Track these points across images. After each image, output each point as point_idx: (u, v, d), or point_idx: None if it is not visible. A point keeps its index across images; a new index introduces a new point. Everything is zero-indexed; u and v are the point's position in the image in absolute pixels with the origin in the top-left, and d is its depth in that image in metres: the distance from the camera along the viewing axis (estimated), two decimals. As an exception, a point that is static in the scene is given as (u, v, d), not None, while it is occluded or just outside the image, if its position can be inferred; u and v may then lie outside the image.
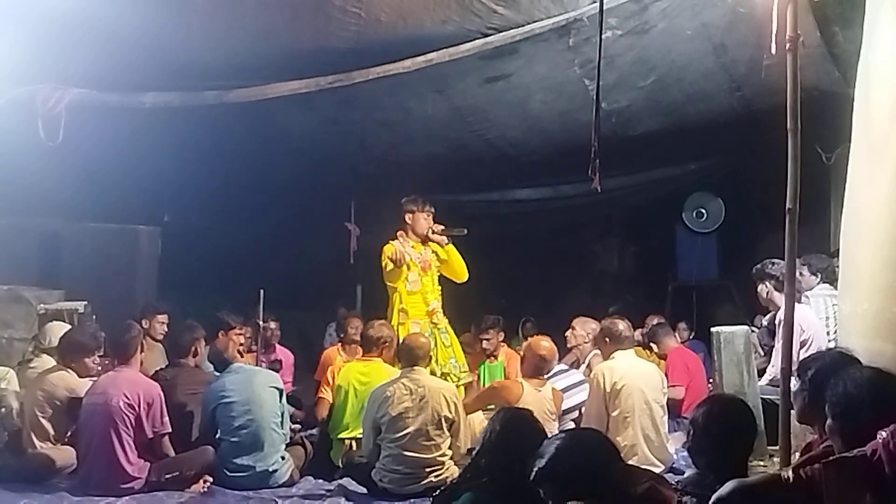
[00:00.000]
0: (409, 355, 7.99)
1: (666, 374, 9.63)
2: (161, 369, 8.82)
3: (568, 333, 9.84)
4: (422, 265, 9.58)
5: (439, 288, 9.73)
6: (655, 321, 11.25)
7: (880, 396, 3.93)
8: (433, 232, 9.59)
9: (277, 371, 9.43)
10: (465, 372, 9.67)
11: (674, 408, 9.47)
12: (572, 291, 14.27)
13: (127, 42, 7.61)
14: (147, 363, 9.44)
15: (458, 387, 9.04)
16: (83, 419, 7.70)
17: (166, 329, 10.04)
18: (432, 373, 8.66)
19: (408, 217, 9.56)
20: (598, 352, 9.44)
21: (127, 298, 10.81)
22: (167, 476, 7.69)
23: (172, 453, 7.86)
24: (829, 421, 4.04)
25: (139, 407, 7.64)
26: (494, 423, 5.48)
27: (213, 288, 11.93)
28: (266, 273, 11.50)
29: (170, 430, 7.84)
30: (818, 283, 9.29)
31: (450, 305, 9.77)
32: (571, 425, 8.42)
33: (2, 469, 7.84)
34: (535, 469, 4.54)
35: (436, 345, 9.30)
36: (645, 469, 5.84)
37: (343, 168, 10.95)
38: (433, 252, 9.66)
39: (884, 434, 3.54)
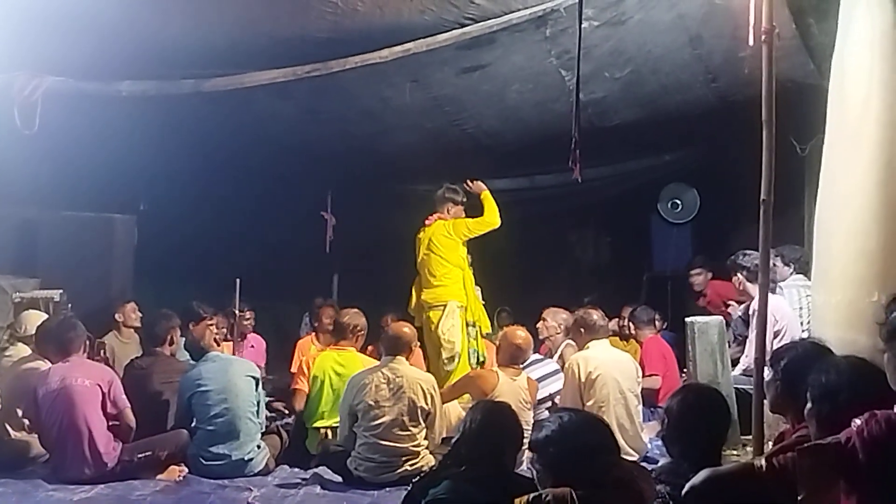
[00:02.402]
0: (392, 344, 8.03)
1: (641, 364, 9.69)
2: (136, 358, 8.85)
3: (539, 325, 9.86)
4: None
5: None
6: (638, 306, 11.28)
7: (860, 384, 3.97)
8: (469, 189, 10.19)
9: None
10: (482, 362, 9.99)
11: (650, 397, 9.52)
12: (548, 281, 14.27)
13: (104, 30, 7.58)
14: (123, 352, 9.48)
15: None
16: (45, 409, 7.71)
17: (140, 316, 10.04)
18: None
19: (450, 207, 9.85)
20: (570, 342, 9.49)
21: (102, 287, 10.77)
22: (139, 456, 7.75)
23: (134, 424, 7.90)
24: (808, 406, 4.07)
25: (102, 386, 7.70)
26: (475, 413, 5.50)
27: (189, 277, 11.89)
28: (242, 262, 11.49)
29: (129, 405, 7.89)
30: (791, 274, 9.35)
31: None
32: (546, 414, 8.45)
33: (-23, 457, 7.85)
34: (534, 438, 4.56)
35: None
36: (626, 460, 5.88)
37: (320, 157, 10.94)
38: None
39: (858, 421, 3.57)
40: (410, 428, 7.64)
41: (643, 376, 9.50)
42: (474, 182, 10.24)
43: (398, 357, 7.90)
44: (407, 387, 7.67)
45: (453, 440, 5.59)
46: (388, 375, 7.72)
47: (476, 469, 5.14)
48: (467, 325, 9.97)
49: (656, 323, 11.06)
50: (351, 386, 7.81)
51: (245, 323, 11.01)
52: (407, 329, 8.32)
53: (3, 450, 7.97)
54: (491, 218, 10.09)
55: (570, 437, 4.50)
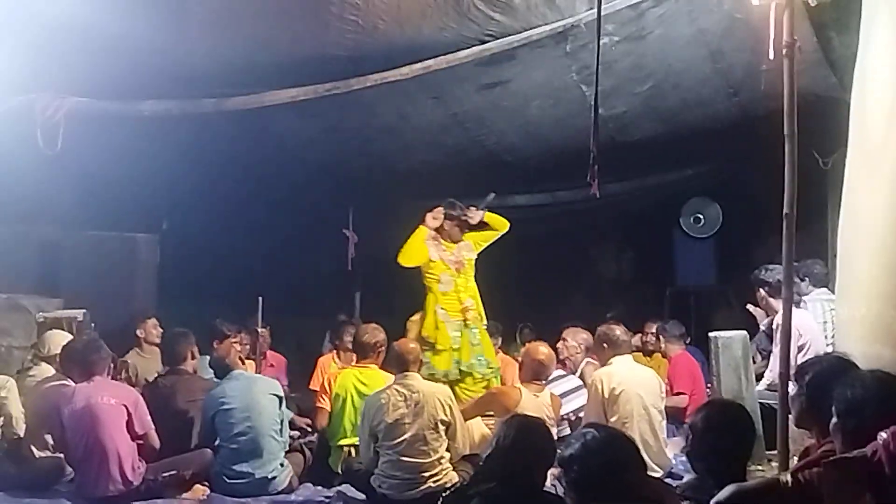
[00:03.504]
0: (399, 361, 8.01)
1: (669, 381, 9.64)
2: (160, 375, 8.86)
3: (560, 345, 9.78)
4: (455, 266, 9.81)
5: (474, 286, 9.92)
6: (668, 320, 11.18)
7: (886, 398, 3.95)
8: (468, 220, 9.92)
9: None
10: (491, 368, 9.79)
11: (677, 415, 9.42)
12: (570, 297, 14.27)
13: (126, 50, 7.62)
14: (145, 368, 9.50)
15: (486, 380, 9.55)
16: (71, 428, 7.70)
17: (161, 332, 10.06)
18: (456, 371, 9.32)
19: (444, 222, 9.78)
20: (590, 360, 9.46)
21: (126, 306, 10.79)
22: (164, 475, 7.74)
23: (158, 445, 7.91)
24: (833, 420, 4.05)
25: (128, 406, 7.72)
26: (508, 429, 5.45)
27: (212, 295, 11.91)
28: (265, 280, 11.49)
29: (153, 426, 7.90)
30: (807, 288, 9.30)
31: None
32: (568, 431, 8.42)
33: (2, 477, 7.85)
34: (561, 455, 4.54)
35: (461, 343, 9.58)
36: (653, 478, 5.85)
37: (341, 175, 10.95)
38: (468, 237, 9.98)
39: (884, 435, 3.56)
40: (432, 442, 7.60)
41: (672, 394, 9.49)
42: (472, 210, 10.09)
43: (409, 373, 7.90)
44: (425, 401, 7.64)
45: (484, 455, 5.55)
46: (403, 392, 7.69)
47: (507, 486, 5.10)
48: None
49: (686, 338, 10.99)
50: (368, 407, 7.80)
51: (261, 340, 11.00)
52: (413, 344, 8.34)
53: (28, 471, 7.98)
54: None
55: (596, 454, 4.47)
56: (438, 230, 9.79)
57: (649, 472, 7.30)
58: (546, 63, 8.23)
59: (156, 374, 9.00)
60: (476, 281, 9.93)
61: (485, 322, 9.95)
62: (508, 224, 10.04)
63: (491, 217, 9.99)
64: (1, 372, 8.71)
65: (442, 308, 9.71)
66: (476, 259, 9.97)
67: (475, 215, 9.88)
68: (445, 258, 9.82)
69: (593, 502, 4.28)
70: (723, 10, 7.80)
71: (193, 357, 8.80)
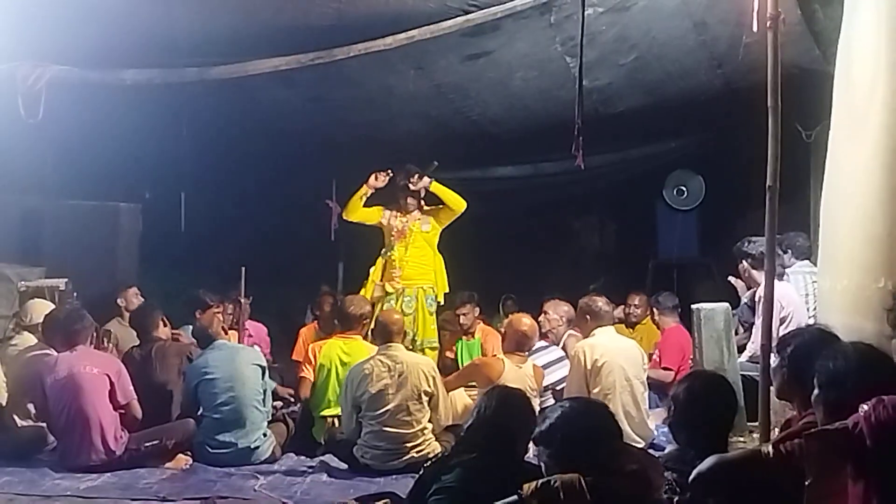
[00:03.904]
0: (384, 332, 8.05)
1: (660, 353, 9.68)
2: (134, 347, 8.83)
3: (541, 318, 9.78)
4: (397, 235, 9.99)
5: (426, 259, 10.06)
6: (661, 292, 11.15)
7: (867, 370, 3.97)
8: (413, 187, 9.99)
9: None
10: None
11: (662, 387, 9.40)
12: (553, 269, 14.27)
13: (107, 18, 7.57)
14: (127, 336, 9.49)
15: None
16: (53, 397, 7.71)
17: (143, 300, 10.05)
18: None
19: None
20: (573, 332, 9.48)
21: (108, 275, 10.78)
22: (147, 444, 7.77)
23: (140, 416, 7.94)
24: (815, 391, 4.07)
25: (110, 375, 7.73)
26: (490, 400, 5.47)
27: (194, 265, 11.90)
28: (247, 250, 11.48)
29: (135, 396, 7.95)
30: (790, 261, 9.33)
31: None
32: (552, 401, 8.44)
33: (-16, 446, 7.86)
34: (538, 430, 4.58)
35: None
36: (636, 448, 5.87)
37: (324, 145, 10.93)
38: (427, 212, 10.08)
39: (865, 407, 3.58)
40: (415, 413, 7.65)
41: (660, 367, 9.52)
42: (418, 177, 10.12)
43: (392, 343, 7.92)
44: (408, 372, 7.68)
45: (466, 426, 5.57)
46: (387, 363, 7.73)
47: (488, 456, 5.13)
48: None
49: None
50: (351, 377, 7.82)
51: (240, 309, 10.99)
52: (396, 315, 8.41)
53: (10, 439, 7.98)
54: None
55: (573, 425, 4.52)
56: (393, 197, 9.89)
57: (632, 443, 7.35)
58: (530, 34, 8.20)
59: (131, 347, 8.98)
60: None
61: (436, 298, 10.09)
62: (465, 204, 10.04)
63: (444, 192, 10.03)
64: (-18, 341, 8.72)
65: (378, 271, 9.96)
66: (441, 232, 10.05)
67: (418, 183, 9.93)
68: (393, 224, 10.04)
69: (574, 472, 4.31)
70: (707, -19, 7.80)
71: (165, 325, 8.84)
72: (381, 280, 9.92)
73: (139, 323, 8.98)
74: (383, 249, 10.05)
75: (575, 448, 4.45)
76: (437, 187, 10.02)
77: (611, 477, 4.36)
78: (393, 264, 9.88)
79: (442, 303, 10.25)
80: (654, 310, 10.78)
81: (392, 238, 9.96)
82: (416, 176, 9.92)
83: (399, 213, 10.04)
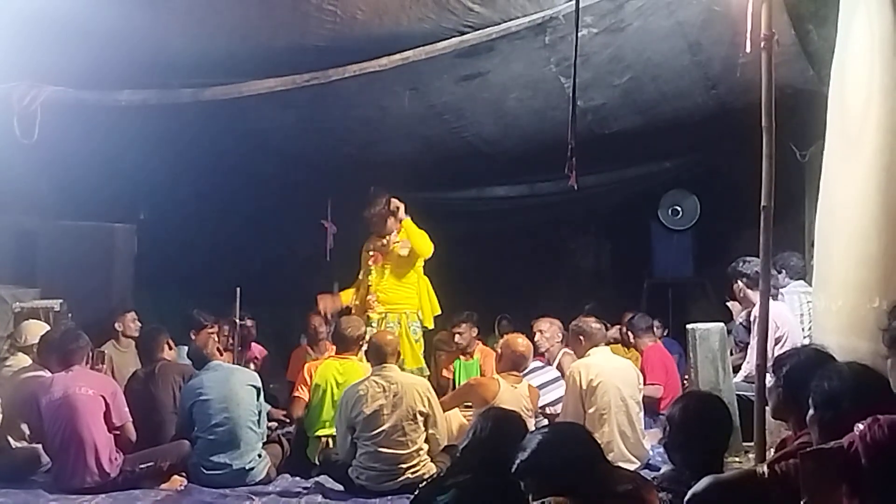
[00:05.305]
0: (377, 353, 8.04)
1: (643, 372, 9.68)
2: (139, 369, 8.84)
3: (537, 337, 9.78)
4: (372, 259, 9.87)
5: (404, 283, 9.85)
6: (635, 314, 11.23)
7: (862, 390, 3.96)
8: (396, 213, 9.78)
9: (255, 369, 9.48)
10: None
11: (651, 406, 9.48)
12: (548, 289, 14.28)
13: (103, 39, 7.56)
14: (122, 361, 9.48)
15: None
16: (48, 418, 7.71)
17: (139, 326, 10.03)
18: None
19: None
20: (567, 351, 9.49)
21: (103, 296, 10.74)
22: (142, 466, 7.77)
23: (135, 438, 7.95)
24: (810, 411, 4.07)
25: (106, 397, 7.73)
26: (485, 421, 5.50)
27: (189, 285, 11.88)
28: (243, 271, 11.48)
29: (130, 418, 7.95)
30: (784, 280, 9.34)
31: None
32: (546, 422, 8.45)
33: (-21, 467, 7.84)
34: (518, 461, 4.57)
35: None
36: (628, 470, 5.86)
37: (319, 166, 10.92)
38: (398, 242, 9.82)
39: (861, 426, 3.57)
40: (410, 433, 7.65)
41: (644, 385, 9.52)
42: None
43: (386, 364, 7.91)
44: (403, 392, 7.68)
45: (461, 446, 5.58)
46: (382, 384, 7.73)
47: (484, 477, 5.13)
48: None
49: (655, 330, 11.05)
50: (346, 399, 7.82)
51: (246, 332, 10.97)
52: (390, 336, 8.38)
53: (4, 460, 7.96)
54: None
55: (552, 454, 4.52)
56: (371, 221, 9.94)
57: (626, 464, 7.35)
58: (525, 55, 8.22)
59: (133, 371, 8.97)
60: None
61: (422, 324, 9.90)
62: (431, 251, 9.74)
63: (413, 234, 9.72)
64: (-24, 362, 8.70)
65: (355, 295, 9.94)
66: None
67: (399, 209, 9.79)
68: (370, 245, 9.96)
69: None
70: (701, 3, 7.80)
71: (171, 348, 8.84)
72: (359, 305, 9.85)
73: (145, 346, 9.01)
74: (360, 274, 10.00)
75: (556, 477, 4.44)
76: (408, 225, 9.76)
77: (606, 499, 4.35)
78: (368, 290, 9.78)
79: (431, 327, 10.12)
80: (630, 332, 10.85)
81: (368, 263, 9.87)
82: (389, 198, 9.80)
83: (377, 236, 9.92)
